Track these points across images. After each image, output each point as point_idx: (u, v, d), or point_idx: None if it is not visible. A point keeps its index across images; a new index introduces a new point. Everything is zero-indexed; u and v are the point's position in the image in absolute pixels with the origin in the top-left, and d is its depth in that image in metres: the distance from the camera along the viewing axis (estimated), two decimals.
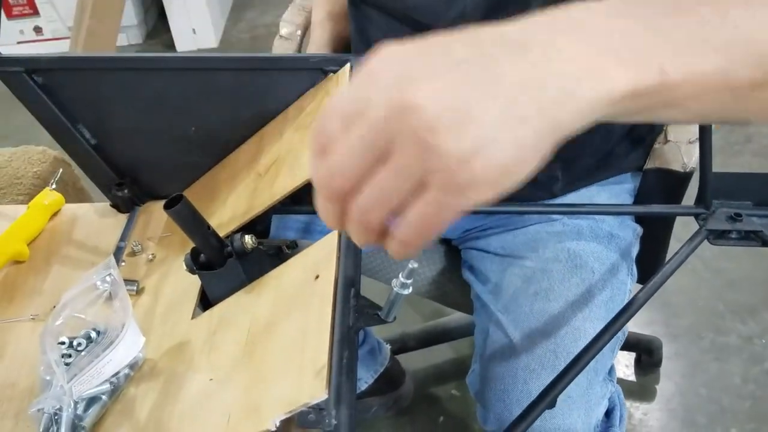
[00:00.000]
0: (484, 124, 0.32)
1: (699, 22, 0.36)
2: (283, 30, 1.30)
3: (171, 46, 3.04)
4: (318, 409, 0.42)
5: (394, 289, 0.46)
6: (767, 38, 0.37)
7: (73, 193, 1.00)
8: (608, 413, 0.86)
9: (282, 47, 1.29)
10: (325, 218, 0.38)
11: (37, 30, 3.02)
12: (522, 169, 0.33)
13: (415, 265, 0.45)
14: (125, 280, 0.68)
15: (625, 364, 1.56)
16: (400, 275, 0.46)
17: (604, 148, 0.89)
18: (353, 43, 0.95)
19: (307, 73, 0.77)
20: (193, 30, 3.00)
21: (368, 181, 0.34)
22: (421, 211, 0.34)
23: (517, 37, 0.34)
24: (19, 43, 3.02)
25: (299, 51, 1.25)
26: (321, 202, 0.37)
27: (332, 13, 1.00)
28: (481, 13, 0.76)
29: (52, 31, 3.02)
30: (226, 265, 0.62)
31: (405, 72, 0.33)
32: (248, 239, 0.62)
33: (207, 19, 2.98)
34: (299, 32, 1.29)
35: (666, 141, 0.93)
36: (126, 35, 3.05)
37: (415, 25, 0.82)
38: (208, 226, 0.62)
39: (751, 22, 0.37)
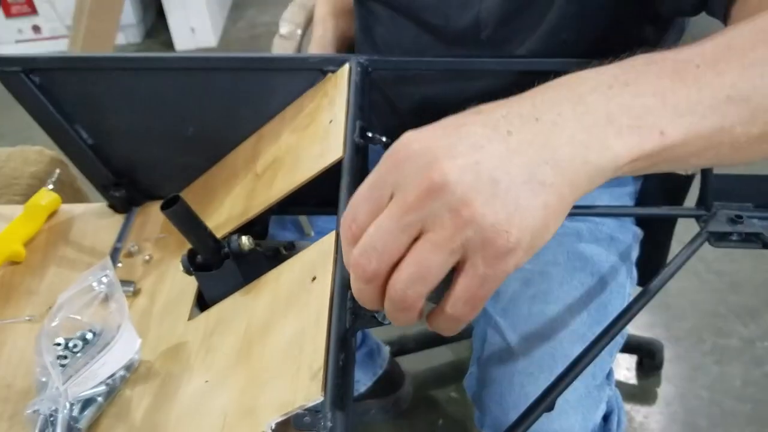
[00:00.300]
0: (513, 193, 0.34)
1: (696, 83, 0.39)
2: (283, 29, 1.29)
3: (170, 45, 3.04)
4: (314, 411, 0.42)
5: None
6: (763, 93, 0.40)
7: (70, 194, 1.00)
8: (606, 417, 0.85)
9: (282, 46, 1.28)
10: (362, 301, 0.39)
11: (36, 29, 3.02)
12: (551, 230, 0.36)
13: None
14: (122, 281, 0.68)
15: (626, 367, 1.56)
16: None
17: None
18: (357, 42, 0.94)
19: (305, 74, 0.76)
20: (192, 29, 3.00)
21: (406, 259, 0.36)
22: (467, 284, 0.36)
23: (528, 112, 0.37)
24: (17, 42, 3.02)
25: (299, 50, 1.25)
26: (357, 285, 0.38)
27: (336, 9, 0.99)
28: (494, 21, 0.76)
29: (50, 29, 3.02)
30: (223, 266, 0.61)
31: (429, 154, 0.35)
32: (245, 240, 0.61)
33: (206, 18, 2.98)
34: (299, 31, 1.29)
35: None
36: (124, 34, 3.05)
37: (424, 25, 0.81)
38: (205, 227, 0.61)
39: (747, 81, 0.40)
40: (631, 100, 0.38)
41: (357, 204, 0.37)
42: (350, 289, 0.49)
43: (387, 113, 0.92)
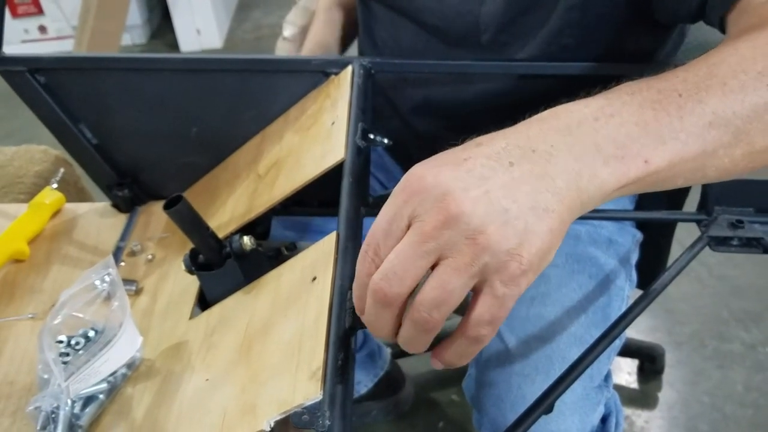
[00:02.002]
0: (522, 220, 0.37)
1: (678, 112, 0.42)
2: (286, 31, 1.30)
3: (175, 46, 3.05)
4: (312, 410, 0.42)
5: None
6: (743, 118, 0.42)
7: (74, 193, 1.01)
8: (604, 419, 0.86)
9: (284, 48, 1.29)
10: (378, 327, 0.41)
11: (42, 29, 3.03)
12: (554, 251, 0.40)
13: None
14: (124, 280, 0.69)
15: (627, 371, 1.56)
16: None
17: None
18: (360, 41, 0.95)
19: (308, 76, 0.77)
20: (198, 30, 3.01)
21: (429, 282, 0.38)
22: (488, 304, 0.38)
23: (524, 143, 0.40)
24: (23, 42, 3.03)
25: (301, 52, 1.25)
26: (375, 310, 0.40)
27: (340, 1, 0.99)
28: (495, 26, 0.76)
29: (56, 30, 3.03)
30: (225, 266, 0.62)
31: (443, 186, 0.37)
32: (247, 240, 0.62)
33: (211, 20, 2.99)
34: (302, 34, 1.29)
35: None
36: (130, 35, 3.06)
37: (423, 26, 0.81)
38: (207, 227, 0.62)
39: (727, 107, 0.42)
40: (616, 130, 0.41)
41: (376, 236, 0.40)
42: (350, 290, 0.50)
43: (389, 115, 0.93)
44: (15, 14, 2.97)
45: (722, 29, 0.60)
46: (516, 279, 0.38)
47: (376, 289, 0.39)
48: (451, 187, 0.37)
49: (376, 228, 0.40)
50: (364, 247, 0.40)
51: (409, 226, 0.39)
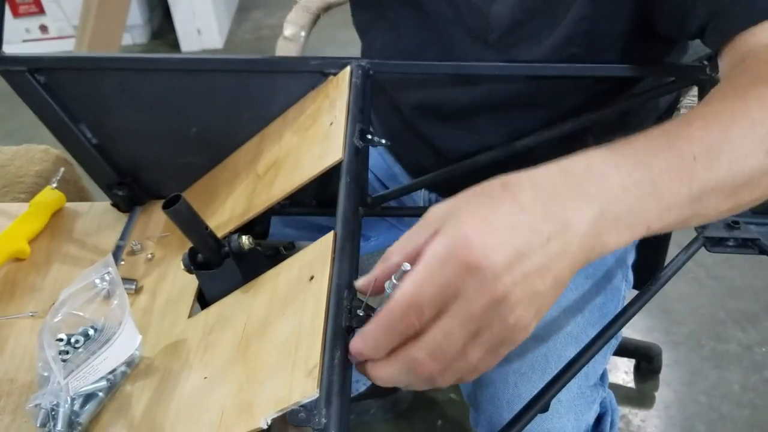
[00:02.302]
0: (545, 299, 0.42)
1: (689, 179, 0.45)
2: (287, 31, 1.31)
3: (176, 46, 3.06)
4: (308, 407, 0.43)
5: (387, 291, 0.46)
6: (740, 184, 0.47)
7: (74, 192, 1.01)
8: (599, 419, 0.86)
9: (285, 48, 1.30)
10: (393, 383, 0.45)
11: (43, 29, 3.04)
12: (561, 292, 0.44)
13: (408, 267, 0.45)
14: (124, 279, 0.69)
15: (624, 371, 1.56)
16: (393, 277, 0.46)
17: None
18: (360, 34, 0.95)
19: (307, 76, 0.77)
20: (198, 30, 3.01)
21: (463, 356, 0.42)
22: (476, 356, 0.43)
23: (560, 216, 0.41)
24: (24, 41, 3.04)
25: (302, 52, 1.25)
26: (407, 378, 0.44)
27: None
28: (504, 26, 0.76)
29: (57, 29, 3.04)
30: (223, 265, 0.62)
31: (493, 268, 0.39)
32: (245, 240, 0.62)
33: (212, 20, 2.99)
34: (303, 33, 1.30)
35: None
36: (131, 35, 3.07)
37: (431, 16, 0.81)
38: (206, 227, 0.62)
39: (731, 176, 0.46)
40: (637, 202, 0.44)
41: (422, 300, 0.40)
42: (347, 289, 0.50)
43: (390, 114, 0.93)
44: (16, 14, 2.97)
45: (716, 55, 0.64)
46: (516, 342, 0.43)
47: (421, 364, 0.42)
48: (499, 270, 0.39)
49: (424, 291, 0.40)
50: (405, 300, 0.41)
51: (455, 297, 0.41)
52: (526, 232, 0.40)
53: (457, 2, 0.77)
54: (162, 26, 3.23)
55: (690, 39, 0.69)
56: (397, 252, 0.45)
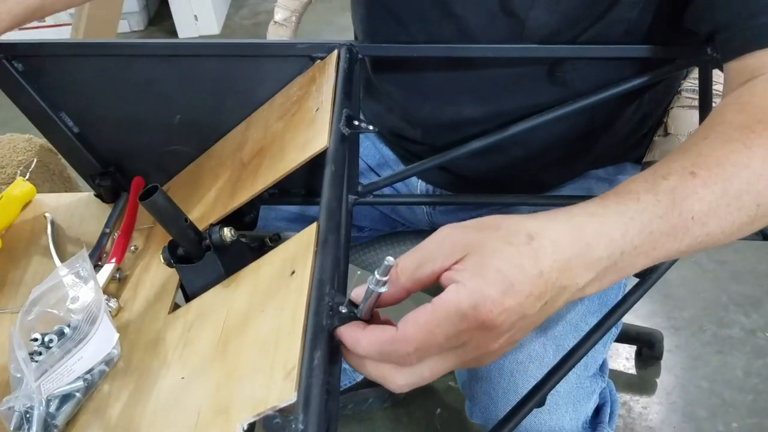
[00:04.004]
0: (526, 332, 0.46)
1: (684, 236, 0.48)
2: (278, 15, 1.28)
3: (173, 32, 3.03)
4: (285, 414, 0.40)
5: (370, 286, 0.44)
6: (728, 234, 0.50)
7: (59, 183, 0.99)
8: (598, 409, 0.84)
9: (276, 33, 1.27)
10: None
11: None
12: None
13: (392, 261, 0.43)
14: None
15: (625, 357, 1.54)
16: (375, 272, 0.43)
17: (603, 146, 0.87)
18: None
19: (294, 60, 0.75)
20: (195, 17, 2.98)
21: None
22: (453, 362, 0.46)
23: (567, 279, 0.45)
24: (20, 29, 2.99)
25: (295, 38, 1.22)
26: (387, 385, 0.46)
27: None
28: (541, 35, 0.74)
29: (54, 17, 2.99)
30: (204, 258, 0.60)
31: (500, 329, 0.43)
32: (227, 232, 0.60)
33: (209, 6, 2.96)
34: (294, 18, 1.27)
35: (666, 133, 0.90)
36: (128, 22, 3.03)
37: (455, 20, 0.77)
38: (186, 218, 0.60)
39: (721, 230, 0.49)
40: (634, 261, 0.47)
41: (430, 345, 0.43)
42: (329, 285, 0.48)
43: (386, 102, 0.90)
44: None
45: (722, 62, 0.63)
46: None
47: (393, 381, 0.45)
48: (505, 329, 0.43)
49: (433, 337, 0.42)
50: (414, 343, 0.42)
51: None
52: (536, 299, 0.44)
53: (491, 7, 0.73)
54: (159, 13, 3.20)
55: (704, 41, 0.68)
56: (407, 271, 0.46)
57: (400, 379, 0.44)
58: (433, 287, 0.47)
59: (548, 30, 0.72)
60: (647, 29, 0.73)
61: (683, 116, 0.89)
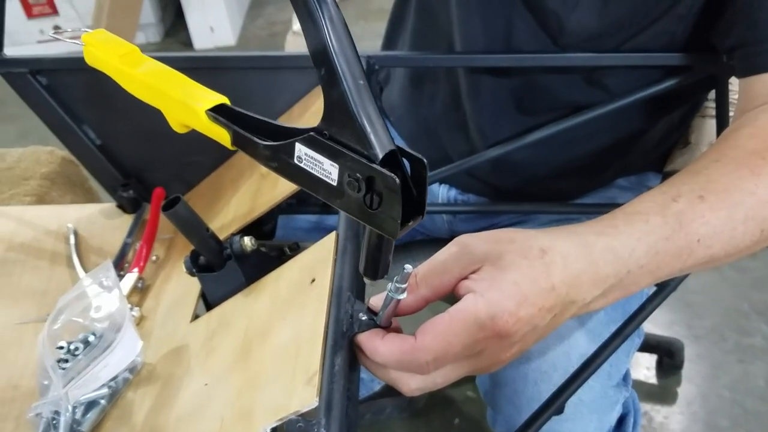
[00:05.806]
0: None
1: (689, 257, 0.50)
2: (296, 25, 1.29)
3: (189, 44, 3.05)
4: (307, 418, 0.41)
5: (389, 293, 0.44)
6: (729, 255, 0.52)
7: (81, 194, 1.00)
8: (621, 419, 0.84)
9: (295, 43, 1.28)
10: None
11: (57, 29, 3.04)
12: None
13: (410, 268, 0.44)
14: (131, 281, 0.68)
15: (645, 366, 1.53)
16: (395, 279, 0.44)
17: (633, 157, 0.88)
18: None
19: (311, 72, 0.75)
20: (211, 28, 3.00)
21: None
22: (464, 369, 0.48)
23: (576, 295, 0.47)
24: (39, 42, 3.04)
25: None
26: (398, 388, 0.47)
27: None
28: (581, 37, 0.74)
29: (74, 32, 3.04)
30: (225, 267, 0.61)
31: (516, 337, 0.45)
32: (247, 241, 0.61)
33: (224, 17, 2.99)
34: None
35: (686, 144, 0.90)
36: (144, 33, 3.07)
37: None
38: (207, 228, 0.61)
39: (725, 251, 0.51)
40: (640, 280, 0.49)
41: (446, 354, 0.44)
42: (349, 293, 0.49)
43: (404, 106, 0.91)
44: (30, 15, 2.98)
45: (737, 73, 0.66)
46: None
47: (410, 392, 0.46)
48: (518, 339, 0.45)
49: (451, 347, 0.44)
50: (432, 354, 0.43)
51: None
52: (548, 312, 0.46)
53: (533, 5, 0.74)
54: (175, 24, 3.23)
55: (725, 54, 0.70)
56: (426, 279, 0.47)
57: (413, 384, 0.46)
58: (449, 297, 0.48)
59: (587, 34, 0.73)
60: (685, 43, 0.73)
61: (704, 126, 0.89)
